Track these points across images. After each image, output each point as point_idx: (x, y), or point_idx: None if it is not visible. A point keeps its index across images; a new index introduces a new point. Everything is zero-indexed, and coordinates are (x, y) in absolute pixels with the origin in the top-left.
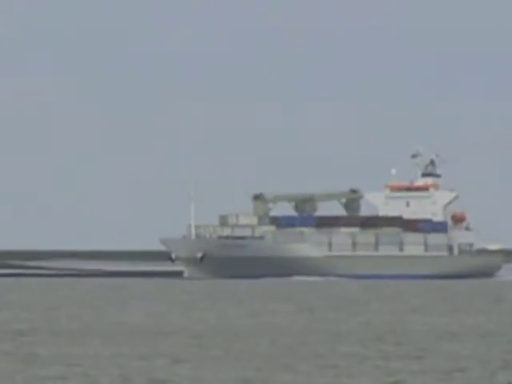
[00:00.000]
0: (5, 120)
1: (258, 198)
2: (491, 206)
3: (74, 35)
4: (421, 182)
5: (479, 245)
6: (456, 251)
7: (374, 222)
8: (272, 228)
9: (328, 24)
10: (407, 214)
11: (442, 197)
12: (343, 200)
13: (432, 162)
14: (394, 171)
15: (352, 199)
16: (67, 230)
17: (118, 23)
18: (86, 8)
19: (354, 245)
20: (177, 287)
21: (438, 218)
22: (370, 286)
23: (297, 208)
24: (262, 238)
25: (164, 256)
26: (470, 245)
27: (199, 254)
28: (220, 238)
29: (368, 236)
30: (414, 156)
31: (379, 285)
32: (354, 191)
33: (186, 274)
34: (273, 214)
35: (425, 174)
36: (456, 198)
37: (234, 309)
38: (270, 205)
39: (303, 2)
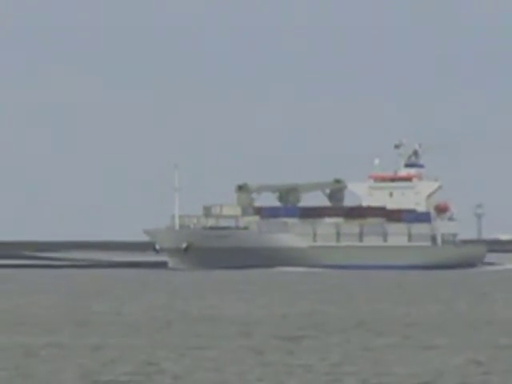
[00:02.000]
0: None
1: (241, 188)
2: (474, 196)
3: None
4: (404, 172)
5: (491, 235)
6: (439, 241)
7: (358, 213)
8: (256, 218)
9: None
10: (391, 205)
11: (426, 187)
12: (327, 190)
13: (415, 153)
14: (377, 161)
15: (336, 189)
16: (55, 221)
17: (119, 23)
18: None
19: (339, 235)
20: (169, 278)
21: (422, 208)
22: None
23: (281, 198)
24: (246, 228)
25: (148, 246)
26: (454, 235)
27: (183, 245)
28: (204, 228)
29: (352, 226)
30: (397, 146)
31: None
32: (337, 181)
33: (170, 265)
34: (257, 204)
35: (408, 165)
36: (439, 188)
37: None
38: (254, 195)
39: (303, 2)
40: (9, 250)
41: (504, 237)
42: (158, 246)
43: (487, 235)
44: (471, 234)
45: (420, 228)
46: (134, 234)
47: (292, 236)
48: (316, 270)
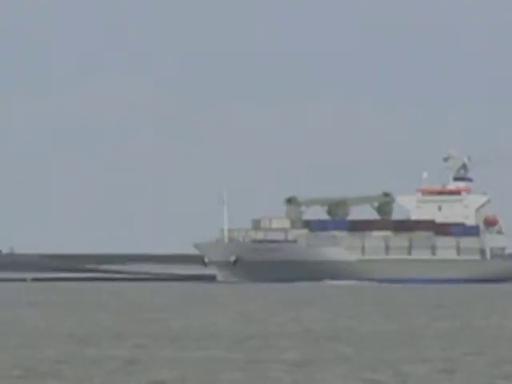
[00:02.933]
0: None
1: (290, 201)
2: None
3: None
4: (453, 185)
5: None
6: (488, 255)
7: (406, 226)
8: (305, 232)
9: (335, 23)
10: (439, 218)
11: (474, 200)
12: (375, 204)
13: (464, 166)
14: (425, 175)
15: (384, 203)
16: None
17: (118, 23)
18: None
19: (387, 248)
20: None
21: (470, 221)
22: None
23: (329, 211)
24: (294, 241)
25: (197, 260)
26: (503, 249)
27: (232, 258)
28: (253, 241)
29: (401, 240)
30: (445, 159)
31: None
32: (386, 195)
33: (218, 278)
34: (305, 217)
35: (457, 178)
36: (488, 201)
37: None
38: (303, 208)
39: (303, 2)
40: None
41: None
42: (206, 259)
43: None
44: None
45: (469, 242)
46: (184, 247)
47: (341, 249)
48: (365, 283)
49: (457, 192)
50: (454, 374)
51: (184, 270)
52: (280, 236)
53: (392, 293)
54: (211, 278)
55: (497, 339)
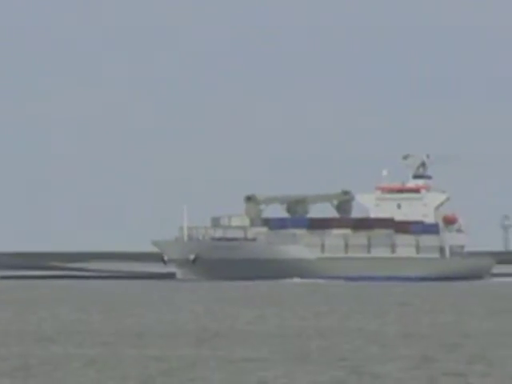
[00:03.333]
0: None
1: (250, 199)
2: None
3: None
4: (412, 183)
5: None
6: (447, 253)
7: (365, 224)
8: (264, 230)
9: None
10: (398, 216)
11: (434, 198)
12: (335, 202)
13: (423, 164)
14: (385, 173)
15: (344, 201)
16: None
17: (119, 23)
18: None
19: (347, 246)
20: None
21: (429, 219)
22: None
23: (289, 209)
24: (254, 239)
25: (156, 257)
26: (462, 247)
27: (192, 256)
28: (212, 239)
29: (360, 238)
30: (405, 157)
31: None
32: (345, 193)
33: (178, 276)
34: (265, 215)
35: (416, 176)
36: (447, 199)
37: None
38: (262, 206)
39: (304, 2)
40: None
41: None
42: (166, 258)
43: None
44: (498, 246)
45: (428, 240)
46: (143, 244)
47: (300, 247)
48: (324, 281)
49: (416, 190)
50: (426, 371)
51: (144, 268)
52: (239, 234)
53: (353, 290)
54: (171, 276)
55: (461, 337)
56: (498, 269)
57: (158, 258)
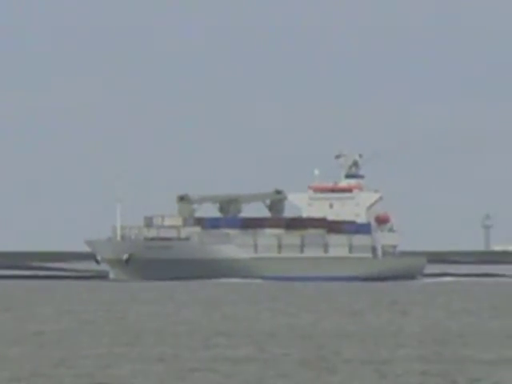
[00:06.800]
0: None
1: (182, 199)
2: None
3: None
4: (344, 183)
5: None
6: (380, 253)
7: (298, 224)
8: (197, 229)
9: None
10: (331, 216)
11: (366, 198)
12: (267, 201)
13: (355, 163)
14: (317, 172)
15: (276, 200)
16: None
17: (118, 23)
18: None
19: (280, 246)
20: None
21: (362, 219)
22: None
23: (221, 209)
24: (187, 239)
25: (90, 257)
26: (394, 246)
27: (125, 256)
28: (145, 239)
29: (293, 237)
30: (337, 157)
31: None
32: (278, 192)
33: (111, 276)
34: (198, 215)
35: (348, 175)
36: (380, 199)
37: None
38: (195, 206)
39: (304, 2)
40: None
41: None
42: (99, 257)
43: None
44: (478, 246)
45: (360, 239)
46: (77, 244)
47: (233, 247)
48: (257, 281)
49: (348, 189)
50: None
51: (76, 267)
52: (172, 234)
53: (287, 290)
54: (103, 276)
55: (395, 337)
56: (431, 269)
57: (91, 257)
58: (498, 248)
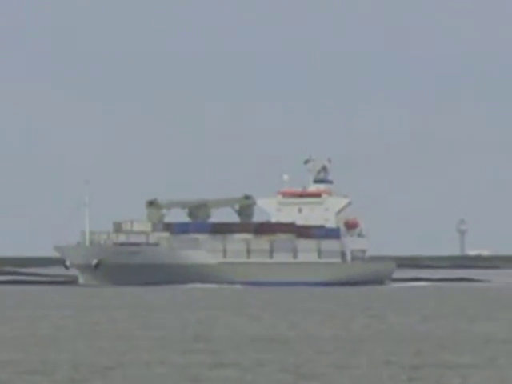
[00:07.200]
0: None
1: (151, 204)
2: (383, 213)
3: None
4: (313, 188)
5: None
6: (349, 258)
7: (267, 229)
8: (166, 234)
9: None
10: (300, 221)
11: (335, 203)
12: (236, 206)
13: (324, 168)
14: (286, 177)
15: (245, 205)
16: None
17: (117, 23)
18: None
19: (249, 251)
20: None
21: (331, 224)
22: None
23: (190, 214)
24: (156, 244)
25: (59, 262)
26: (363, 251)
27: (94, 261)
28: (114, 244)
29: (262, 243)
30: (306, 162)
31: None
32: (247, 197)
33: (80, 281)
34: (167, 220)
35: (317, 180)
36: (348, 204)
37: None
38: (164, 211)
39: (303, 3)
40: None
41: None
42: (68, 263)
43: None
44: (454, 250)
45: (329, 244)
46: (45, 249)
47: (202, 252)
48: (225, 286)
49: (317, 194)
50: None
51: (47, 272)
52: (141, 239)
53: (258, 295)
54: (73, 281)
55: (377, 341)
56: (400, 273)
57: (60, 262)
58: (472, 253)
